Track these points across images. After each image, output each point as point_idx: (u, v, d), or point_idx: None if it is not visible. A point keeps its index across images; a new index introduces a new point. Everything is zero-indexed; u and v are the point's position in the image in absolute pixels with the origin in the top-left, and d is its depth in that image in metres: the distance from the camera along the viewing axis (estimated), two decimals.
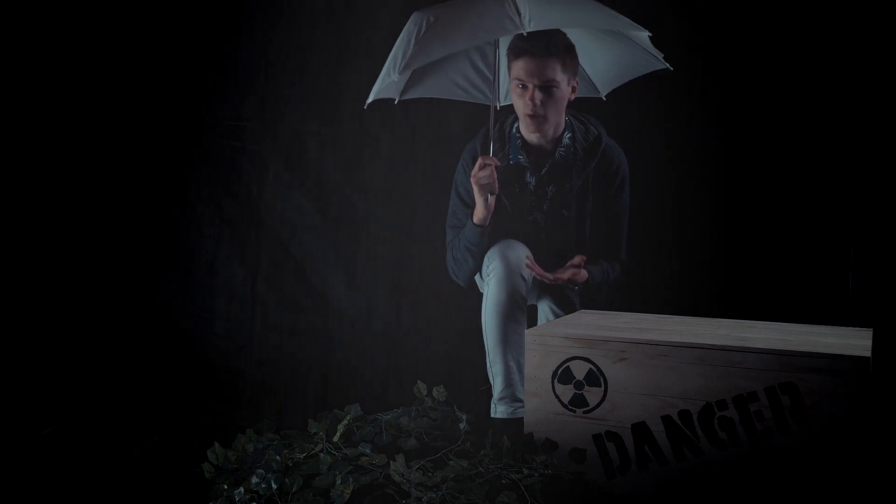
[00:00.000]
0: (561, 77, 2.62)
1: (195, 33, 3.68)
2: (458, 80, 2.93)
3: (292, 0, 3.70)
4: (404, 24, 2.62)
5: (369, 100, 2.71)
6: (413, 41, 2.52)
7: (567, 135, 2.74)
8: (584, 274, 2.64)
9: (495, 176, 2.60)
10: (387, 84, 2.66)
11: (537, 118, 2.65)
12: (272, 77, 3.75)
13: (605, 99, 2.97)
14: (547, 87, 2.61)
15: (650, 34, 2.58)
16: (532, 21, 2.35)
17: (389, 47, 2.65)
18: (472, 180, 2.60)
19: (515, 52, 2.62)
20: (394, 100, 2.88)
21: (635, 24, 2.52)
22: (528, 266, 2.58)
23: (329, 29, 3.72)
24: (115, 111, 3.67)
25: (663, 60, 2.74)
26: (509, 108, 2.80)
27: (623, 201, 2.77)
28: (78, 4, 3.58)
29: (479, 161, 2.59)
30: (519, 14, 2.37)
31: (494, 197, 2.62)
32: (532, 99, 2.62)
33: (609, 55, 2.83)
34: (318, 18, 3.72)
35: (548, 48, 2.59)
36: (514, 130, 2.77)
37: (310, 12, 3.71)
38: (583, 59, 2.84)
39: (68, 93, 3.62)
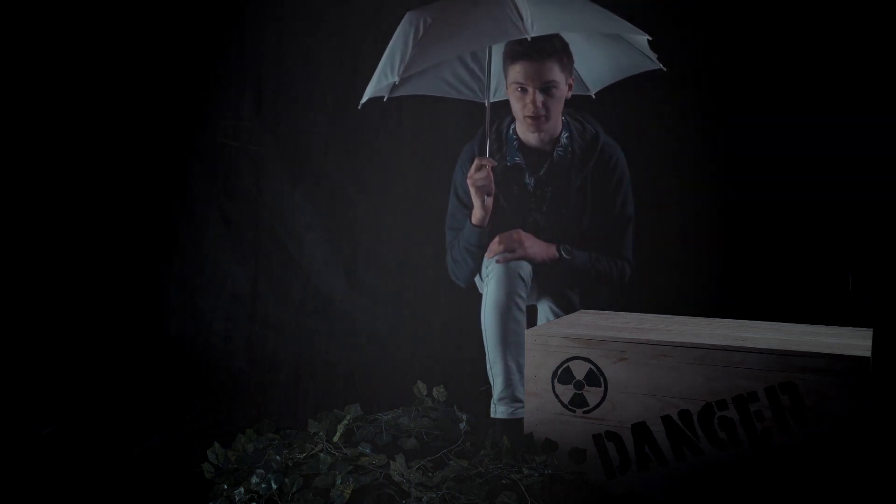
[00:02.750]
0: (559, 77, 2.62)
1: (195, 33, 3.68)
2: (448, 78, 2.91)
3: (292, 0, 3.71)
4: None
5: (363, 100, 2.71)
6: (412, 43, 2.51)
7: (564, 134, 2.74)
8: (541, 250, 2.63)
9: (492, 177, 2.60)
10: (382, 84, 2.66)
11: (539, 119, 2.64)
12: (272, 76, 3.75)
13: (594, 97, 2.97)
14: (547, 89, 2.61)
15: (650, 38, 2.58)
16: (535, 25, 2.33)
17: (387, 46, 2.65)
18: (469, 182, 2.60)
19: (513, 56, 2.61)
20: (383, 97, 2.86)
21: (635, 28, 2.51)
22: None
23: (329, 28, 3.72)
24: (116, 111, 3.67)
25: (657, 61, 2.73)
26: (506, 110, 2.79)
27: (622, 198, 2.75)
28: (78, 4, 3.58)
29: (476, 162, 2.59)
30: (521, 18, 2.35)
31: (492, 198, 2.62)
32: (533, 102, 2.61)
33: (601, 54, 2.83)
34: (317, 17, 3.72)
35: (546, 50, 2.58)
36: (510, 132, 2.77)
37: (309, 11, 3.71)
38: (575, 58, 2.84)
39: (69, 93, 3.62)
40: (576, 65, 2.83)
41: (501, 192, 2.69)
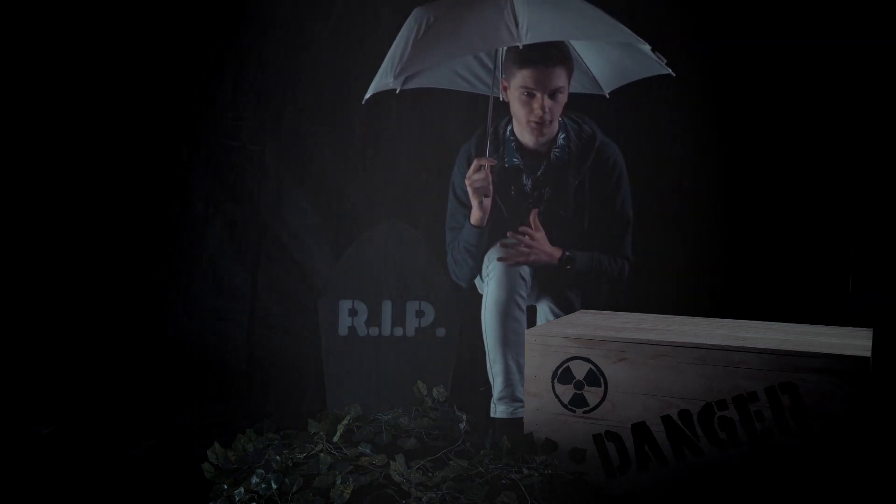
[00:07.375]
0: (565, 82, 2.62)
1: (195, 33, 3.68)
2: (459, 71, 2.91)
3: None
4: (404, 22, 2.62)
5: (367, 95, 2.70)
6: (411, 43, 2.51)
7: (561, 135, 2.73)
8: (547, 250, 2.63)
9: (490, 178, 2.59)
10: (383, 83, 2.66)
11: (544, 124, 2.64)
12: (272, 76, 3.75)
13: (608, 97, 2.96)
14: (554, 95, 2.61)
15: (651, 47, 2.56)
16: (529, 33, 2.32)
17: (389, 46, 2.65)
18: (467, 183, 2.60)
19: (521, 61, 2.57)
20: (395, 91, 2.83)
21: (636, 37, 2.50)
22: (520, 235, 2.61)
23: (329, 27, 3.72)
24: (116, 111, 3.67)
25: (665, 66, 2.72)
26: (503, 109, 2.78)
27: (622, 198, 2.75)
28: (79, 4, 3.58)
29: (475, 163, 2.59)
30: (517, 24, 2.34)
31: (490, 199, 2.62)
32: (542, 107, 2.60)
33: (615, 55, 2.81)
34: (317, 17, 3.72)
35: (554, 56, 2.57)
36: (507, 133, 2.76)
37: (309, 11, 3.71)
38: (587, 56, 2.83)
39: (69, 93, 3.62)
40: (587, 63, 2.82)
41: (498, 194, 2.69)
